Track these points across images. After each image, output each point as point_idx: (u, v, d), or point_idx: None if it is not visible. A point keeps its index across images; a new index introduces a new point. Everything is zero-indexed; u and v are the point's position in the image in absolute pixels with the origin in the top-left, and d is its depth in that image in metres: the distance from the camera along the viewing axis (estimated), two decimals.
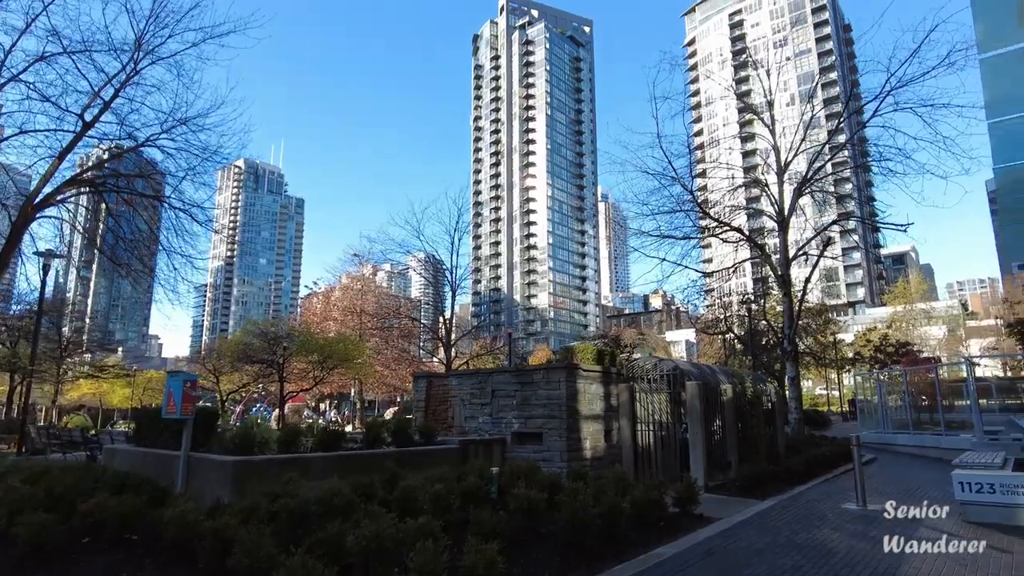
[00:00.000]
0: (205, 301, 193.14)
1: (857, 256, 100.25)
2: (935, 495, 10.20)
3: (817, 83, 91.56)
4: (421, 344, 39.88)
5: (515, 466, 8.98)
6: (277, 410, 36.93)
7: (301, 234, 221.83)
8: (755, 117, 21.04)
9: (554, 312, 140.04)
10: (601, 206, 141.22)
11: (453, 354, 34.63)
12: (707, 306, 46.01)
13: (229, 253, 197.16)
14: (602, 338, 73.16)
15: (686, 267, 18.98)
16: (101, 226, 21.88)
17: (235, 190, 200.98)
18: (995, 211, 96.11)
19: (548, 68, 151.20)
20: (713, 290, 47.15)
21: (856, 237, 77.83)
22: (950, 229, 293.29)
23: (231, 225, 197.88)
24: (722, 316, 36.61)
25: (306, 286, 69.66)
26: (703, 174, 27.01)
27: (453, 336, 33.99)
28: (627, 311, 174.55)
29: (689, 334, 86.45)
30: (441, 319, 35.58)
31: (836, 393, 59.18)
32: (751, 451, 12.85)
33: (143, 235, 20.42)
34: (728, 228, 18.97)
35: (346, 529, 5.87)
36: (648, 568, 6.29)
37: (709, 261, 67.85)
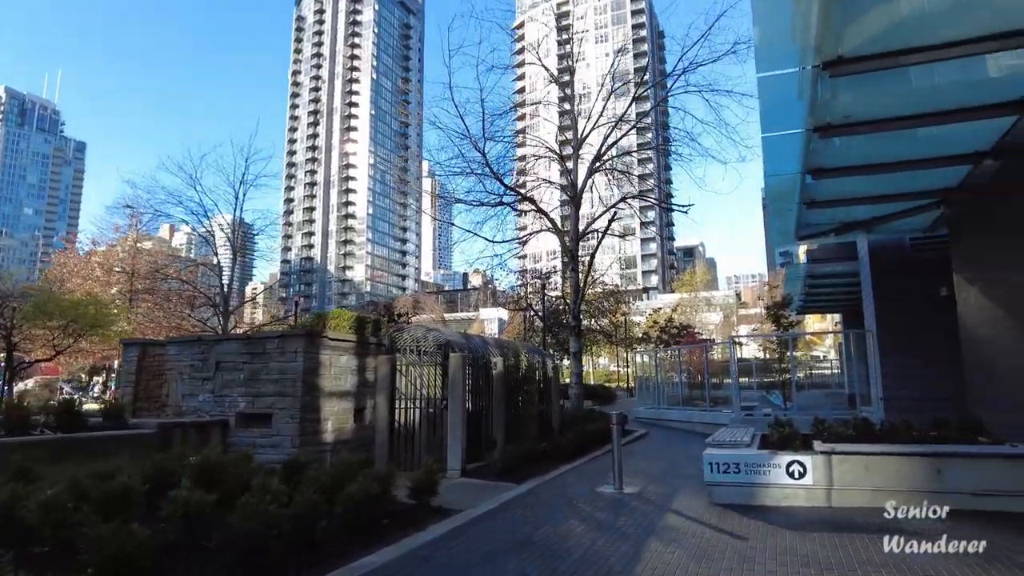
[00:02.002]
0: None
1: (653, 247, 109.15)
2: (692, 473, 10.02)
3: (629, 41, 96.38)
4: (192, 312, 34.90)
5: (221, 454, 7.02)
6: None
7: (80, 182, 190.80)
8: (568, 101, 20.67)
9: (371, 285, 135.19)
10: (427, 182, 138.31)
11: (233, 323, 30.87)
12: (519, 284, 46.32)
13: None
14: (371, 304, 70.24)
15: (476, 235, 18.03)
16: None
17: None
18: (767, 218, 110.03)
19: (376, 31, 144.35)
20: (527, 271, 47.66)
21: (654, 229, 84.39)
22: (732, 228, 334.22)
23: None
24: (523, 293, 36.85)
25: (76, 240, 58.90)
26: (522, 158, 26.47)
27: (236, 303, 30.24)
28: (447, 288, 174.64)
29: (504, 312, 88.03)
30: (222, 282, 31.51)
31: (626, 370, 63.39)
32: (522, 428, 12.03)
33: None
34: (522, 198, 18.34)
35: None
36: None
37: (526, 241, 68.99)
